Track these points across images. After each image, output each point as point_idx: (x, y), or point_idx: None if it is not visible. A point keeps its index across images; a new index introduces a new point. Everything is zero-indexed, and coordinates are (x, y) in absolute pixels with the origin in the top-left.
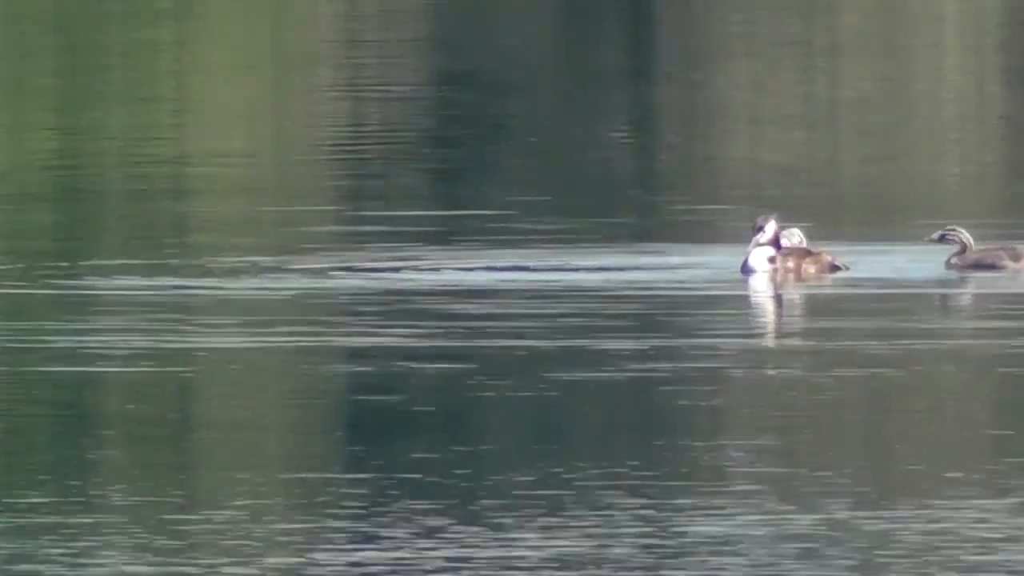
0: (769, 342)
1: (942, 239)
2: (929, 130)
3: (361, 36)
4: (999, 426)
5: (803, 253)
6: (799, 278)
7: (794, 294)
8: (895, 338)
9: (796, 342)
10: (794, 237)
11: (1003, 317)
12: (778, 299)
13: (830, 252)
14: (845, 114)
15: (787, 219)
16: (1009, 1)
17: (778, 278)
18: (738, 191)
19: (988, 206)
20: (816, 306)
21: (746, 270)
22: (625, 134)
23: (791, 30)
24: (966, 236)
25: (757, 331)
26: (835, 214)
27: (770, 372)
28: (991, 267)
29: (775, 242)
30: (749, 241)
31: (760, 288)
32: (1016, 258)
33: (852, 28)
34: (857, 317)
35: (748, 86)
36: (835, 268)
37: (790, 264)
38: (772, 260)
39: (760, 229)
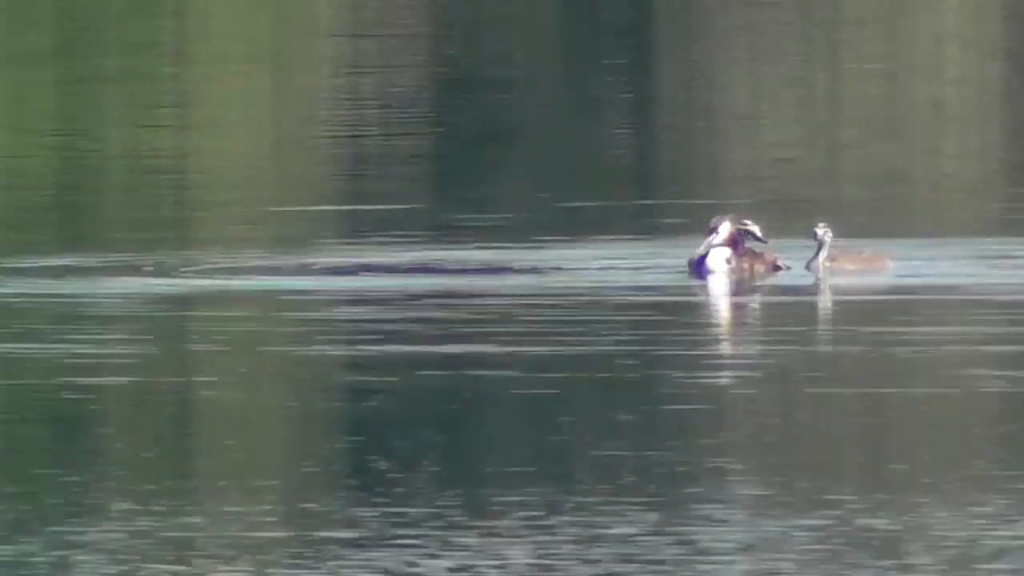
0: (742, 348)
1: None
2: (930, 127)
3: (361, 31)
4: (992, 429)
5: (753, 254)
6: (752, 277)
7: (759, 297)
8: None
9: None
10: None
11: (964, 322)
12: (740, 301)
13: (773, 252)
14: (845, 109)
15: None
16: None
17: (736, 278)
18: (735, 188)
19: (988, 202)
20: (798, 310)
21: (703, 271)
22: (622, 131)
23: (789, 26)
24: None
25: (727, 335)
26: (833, 213)
27: (750, 377)
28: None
29: (733, 243)
30: (702, 241)
31: (718, 289)
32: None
33: (853, 22)
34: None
35: (748, 82)
36: (777, 268)
37: (745, 265)
38: (729, 261)
39: (714, 231)
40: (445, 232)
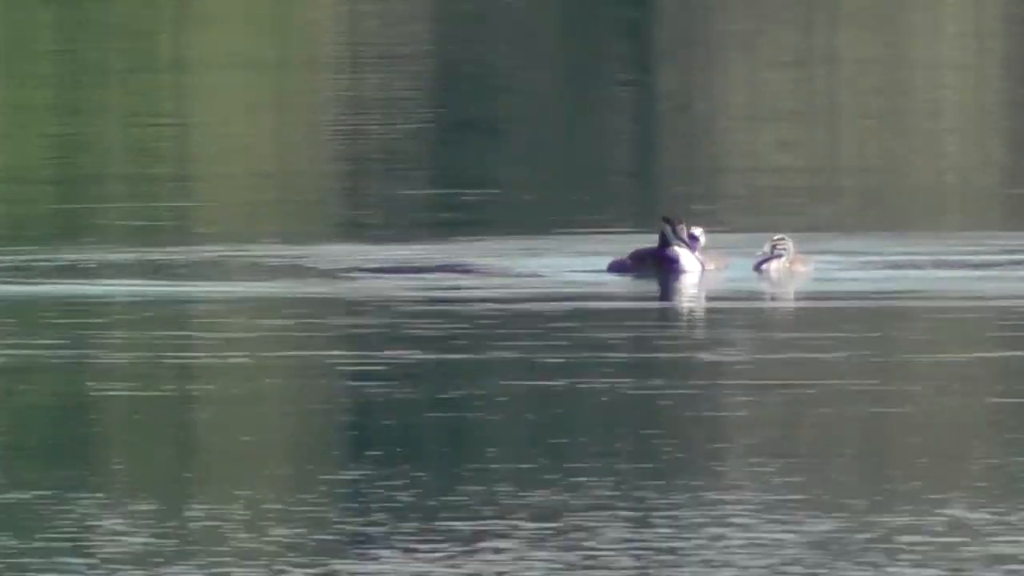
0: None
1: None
2: (928, 126)
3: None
4: (991, 434)
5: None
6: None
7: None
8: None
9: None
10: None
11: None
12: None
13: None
14: (843, 111)
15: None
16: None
17: (705, 277)
18: (729, 188)
19: (987, 202)
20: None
21: (679, 269)
22: (620, 130)
23: (790, 25)
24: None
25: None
26: (831, 212)
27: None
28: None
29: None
30: (680, 242)
31: (695, 287)
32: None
33: (852, 21)
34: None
35: (745, 82)
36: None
37: (711, 266)
38: (699, 259)
39: (694, 237)
40: (440, 229)
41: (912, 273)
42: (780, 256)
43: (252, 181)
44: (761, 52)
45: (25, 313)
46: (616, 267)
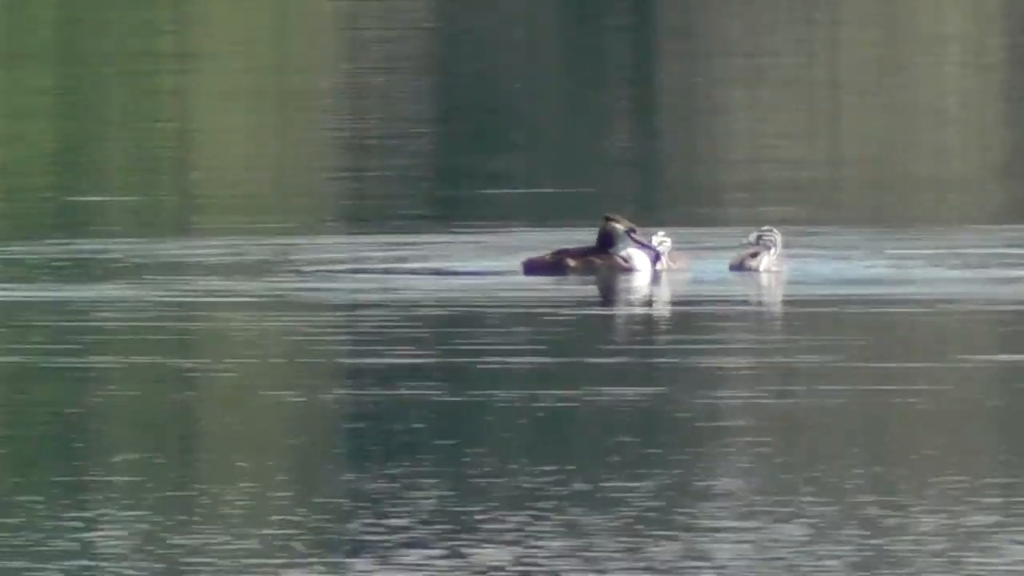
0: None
1: (759, 240)
2: (928, 122)
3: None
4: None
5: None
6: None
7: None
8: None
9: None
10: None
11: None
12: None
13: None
14: (845, 113)
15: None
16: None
17: (662, 276)
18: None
19: (988, 200)
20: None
21: (630, 268)
22: (616, 131)
23: (791, 25)
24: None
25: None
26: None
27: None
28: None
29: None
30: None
31: (647, 286)
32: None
33: (852, 23)
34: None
35: (745, 77)
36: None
37: (675, 264)
38: (656, 260)
39: (645, 244)
40: (433, 225)
41: (911, 270)
42: (769, 248)
43: (250, 177)
44: (761, 45)
45: (19, 315)
46: (534, 267)
